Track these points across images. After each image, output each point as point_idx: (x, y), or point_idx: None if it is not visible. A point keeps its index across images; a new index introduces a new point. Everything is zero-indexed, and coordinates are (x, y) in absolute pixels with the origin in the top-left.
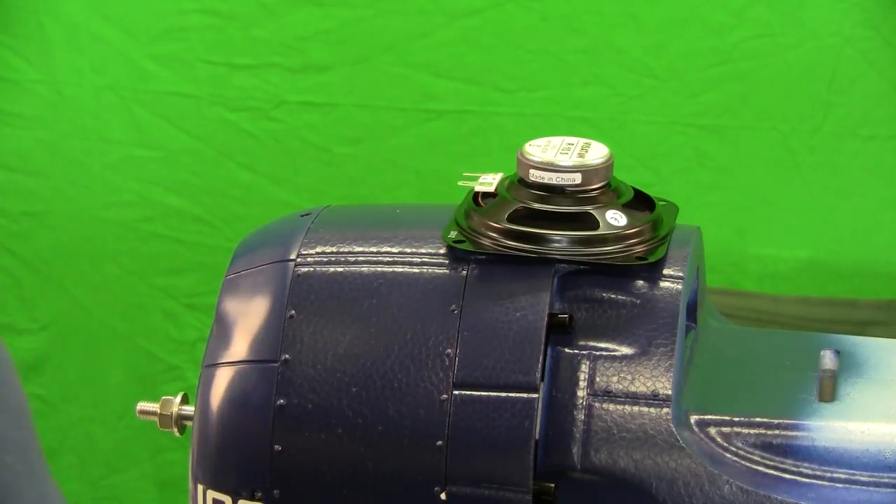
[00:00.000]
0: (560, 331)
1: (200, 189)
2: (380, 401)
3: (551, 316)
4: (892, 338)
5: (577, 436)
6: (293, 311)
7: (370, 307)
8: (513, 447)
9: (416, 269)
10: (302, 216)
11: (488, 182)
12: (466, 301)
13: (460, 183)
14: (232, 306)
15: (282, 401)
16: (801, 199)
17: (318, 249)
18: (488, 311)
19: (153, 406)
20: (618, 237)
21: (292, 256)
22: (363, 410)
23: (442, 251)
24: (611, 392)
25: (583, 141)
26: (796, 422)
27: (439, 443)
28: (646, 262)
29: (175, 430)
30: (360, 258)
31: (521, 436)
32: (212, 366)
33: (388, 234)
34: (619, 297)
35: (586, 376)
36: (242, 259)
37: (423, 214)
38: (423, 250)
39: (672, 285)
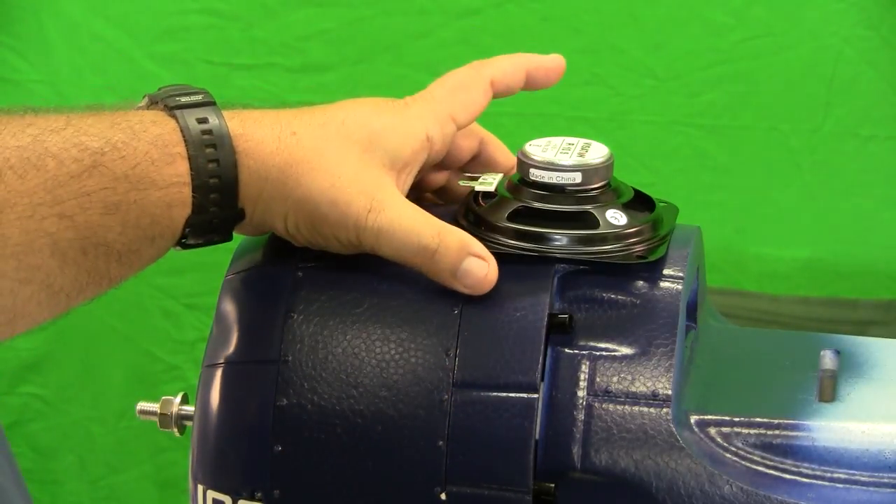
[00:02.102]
0: (560, 331)
1: None
2: (380, 401)
3: (551, 316)
4: (892, 338)
5: (577, 436)
6: (293, 311)
7: (370, 307)
8: (513, 447)
9: (416, 270)
10: None
11: (489, 182)
12: (466, 301)
13: (461, 183)
14: (232, 306)
15: (282, 401)
16: (801, 199)
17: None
18: (488, 311)
19: (153, 406)
20: (618, 236)
21: (292, 256)
22: (363, 410)
23: None
24: (611, 392)
25: (583, 141)
26: (796, 422)
27: (439, 443)
28: (646, 260)
29: (175, 430)
30: (360, 258)
31: (521, 436)
32: (212, 366)
33: None
34: (619, 297)
35: (586, 376)
36: (242, 259)
37: None
38: None
39: (672, 285)
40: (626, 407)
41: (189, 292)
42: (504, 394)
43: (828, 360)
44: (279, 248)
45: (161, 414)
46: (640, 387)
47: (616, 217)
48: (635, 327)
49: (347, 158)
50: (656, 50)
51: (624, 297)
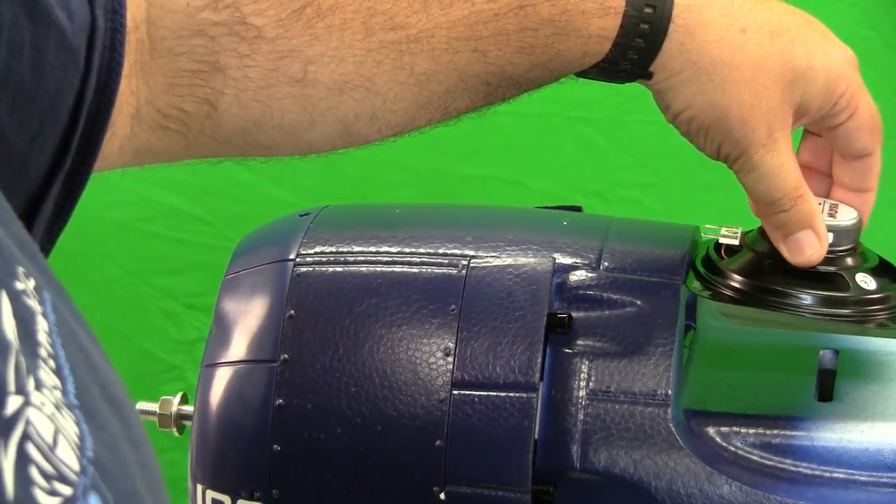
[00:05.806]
0: (559, 330)
1: (200, 189)
2: (379, 401)
3: (550, 315)
4: (892, 338)
5: (577, 436)
6: (292, 311)
7: (369, 307)
8: (512, 447)
9: (415, 269)
10: (301, 216)
11: (733, 235)
12: (466, 301)
13: (702, 232)
14: (231, 306)
15: (281, 401)
16: None
17: (318, 249)
18: (488, 311)
19: (153, 406)
20: (866, 301)
21: (291, 256)
22: (362, 410)
23: (441, 251)
24: (610, 392)
25: (830, 201)
26: (795, 421)
27: (438, 443)
28: (889, 329)
29: (174, 430)
30: (360, 258)
31: (521, 436)
32: (211, 366)
33: (387, 233)
34: (618, 296)
35: (585, 376)
36: (242, 259)
37: (423, 214)
38: (423, 250)
39: (671, 284)
40: (625, 406)
41: (189, 292)
42: (503, 393)
43: (827, 360)
44: (278, 249)
45: (160, 414)
46: (640, 386)
47: (866, 282)
48: (634, 327)
49: (775, 85)
50: None
51: (623, 297)
